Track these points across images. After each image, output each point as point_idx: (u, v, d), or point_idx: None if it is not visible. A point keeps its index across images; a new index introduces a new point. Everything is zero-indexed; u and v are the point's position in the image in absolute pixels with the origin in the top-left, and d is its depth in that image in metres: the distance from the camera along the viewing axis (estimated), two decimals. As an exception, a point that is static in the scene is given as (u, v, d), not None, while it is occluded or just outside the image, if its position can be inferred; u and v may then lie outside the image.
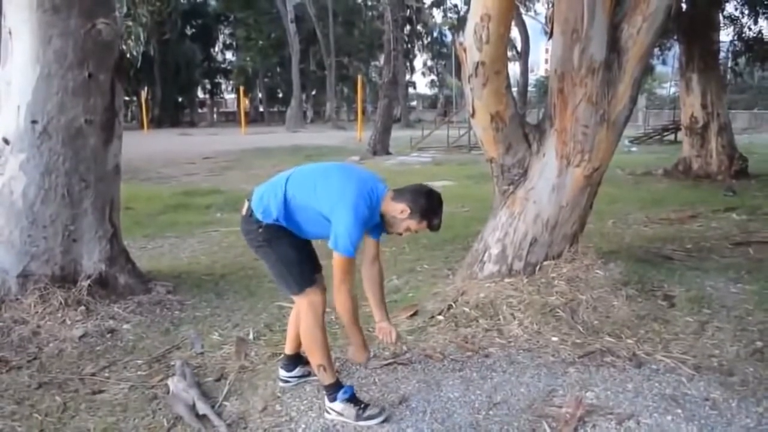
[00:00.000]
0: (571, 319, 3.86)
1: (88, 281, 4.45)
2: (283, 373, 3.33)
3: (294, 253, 2.93)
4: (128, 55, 5.50)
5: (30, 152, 4.26)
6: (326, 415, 2.94)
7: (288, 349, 3.35)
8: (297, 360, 3.33)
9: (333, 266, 2.78)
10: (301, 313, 3.00)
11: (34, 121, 4.24)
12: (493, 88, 4.09)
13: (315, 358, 2.95)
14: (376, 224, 2.94)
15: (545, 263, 4.41)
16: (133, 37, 5.01)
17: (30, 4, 4.14)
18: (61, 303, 4.26)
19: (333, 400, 2.92)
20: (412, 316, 4.18)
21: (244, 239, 3.06)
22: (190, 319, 4.42)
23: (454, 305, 4.18)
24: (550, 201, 4.38)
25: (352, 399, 2.93)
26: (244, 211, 2.98)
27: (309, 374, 3.30)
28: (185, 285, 5.17)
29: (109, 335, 4.08)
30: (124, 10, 4.34)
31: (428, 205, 2.89)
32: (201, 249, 6.72)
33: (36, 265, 4.35)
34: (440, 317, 4.08)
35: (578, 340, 3.67)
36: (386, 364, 3.47)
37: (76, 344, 3.92)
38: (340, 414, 2.90)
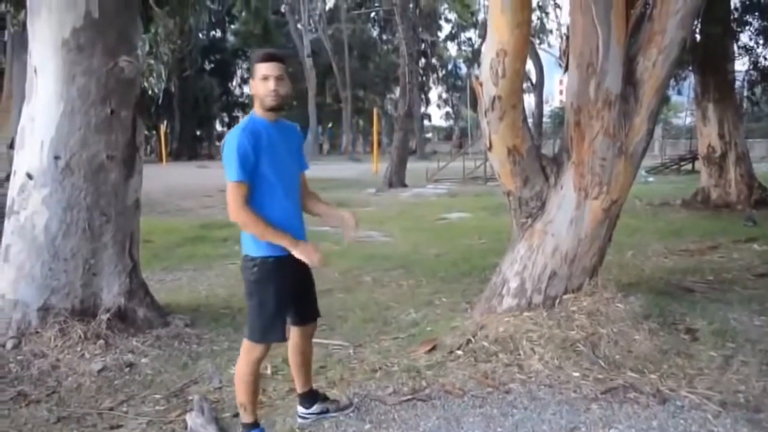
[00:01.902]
0: (592, 354, 3.81)
1: (108, 315, 4.47)
2: (301, 410, 3.31)
3: (275, 303, 2.90)
4: (149, 92, 5.60)
5: (52, 187, 4.33)
6: None
7: (300, 387, 3.33)
8: (314, 397, 3.32)
9: (228, 198, 2.75)
10: (241, 353, 3.01)
11: (56, 157, 4.32)
12: (509, 122, 4.11)
13: (239, 396, 3.03)
14: (272, 143, 2.84)
15: (565, 296, 4.37)
16: (154, 75, 5.14)
17: (55, 43, 4.26)
18: (80, 336, 4.28)
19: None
20: (430, 350, 4.14)
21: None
22: (208, 353, 4.41)
23: (473, 340, 4.14)
24: (568, 234, 4.36)
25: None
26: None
27: (327, 411, 3.29)
28: (203, 318, 5.17)
29: (127, 369, 4.08)
30: (146, 48, 4.44)
31: (254, 58, 2.90)
32: (219, 282, 6.73)
33: (56, 299, 4.38)
34: (459, 352, 4.04)
35: (600, 376, 3.61)
36: (405, 401, 3.43)
37: (94, 378, 3.93)
38: None
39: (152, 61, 5.22)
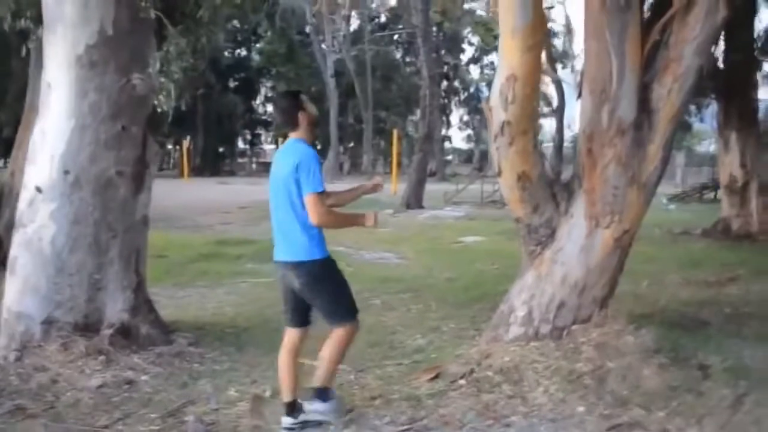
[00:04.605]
0: (598, 388, 3.69)
1: (111, 330, 4.46)
2: (289, 420, 3.42)
3: (345, 282, 3.48)
4: (159, 110, 5.66)
5: (60, 201, 4.34)
6: (306, 407, 3.45)
7: (290, 396, 3.46)
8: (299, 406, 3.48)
9: (311, 207, 3.25)
10: (335, 342, 3.42)
11: (66, 171, 4.34)
12: (519, 148, 4.06)
13: (332, 367, 3.49)
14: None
15: (573, 327, 4.26)
16: (164, 93, 5.20)
17: (69, 59, 4.30)
18: (82, 351, 4.27)
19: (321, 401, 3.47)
20: (433, 378, 4.05)
21: (298, 286, 3.38)
22: (209, 372, 4.37)
23: (477, 369, 4.05)
24: (578, 263, 4.27)
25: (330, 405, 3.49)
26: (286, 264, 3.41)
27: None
28: (208, 337, 5.14)
29: (126, 386, 4.04)
30: (158, 66, 4.47)
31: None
32: (228, 300, 6.71)
33: (60, 313, 4.38)
34: (462, 381, 3.95)
35: (606, 411, 3.50)
36: (402, 431, 3.35)
37: (92, 394, 3.90)
38: (317, 413, 3.45)
39: (163, 79, 5.25)
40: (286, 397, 3.47)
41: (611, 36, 4.02)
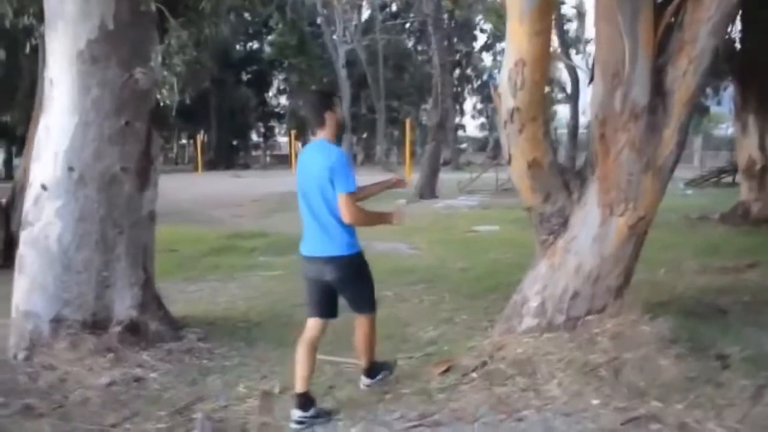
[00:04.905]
0: (614, 380, 3.60)
1: (119, 328, 4.44)
2: (299, 413, 3.44)
3: (371, 276, 3.70)
4: (161, 104, 5.59)
5: (66, 198, 4.31)
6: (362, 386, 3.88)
7: (302, 387, 3.51)
8: (312, 400, 3.53)
9: (344, 206, 3.38)
10: (363, 328, 3.74)
11: (71, 168, 4.30)
12: (529, 135, 3.95)
13: (370, 349, 3.82)
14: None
15: (588, 318, 4.17)
16: (167, 86, 5.14)
17: (70, 55, 4.25)
18: (90, 349, 4.26)
19: (372, 377, 3.88)
20: (445, 372, 3.98)
21: (333, 278, 3.52)
22: (219, 368, 4.33)
23: (489, 361, 3.97)
24: (592, 252, 4.16)
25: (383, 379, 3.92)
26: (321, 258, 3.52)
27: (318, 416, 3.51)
28: (218, 332, 5.10)
29: (135, 384, 4.02)
30: (160, 59, 4.39)
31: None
32: (239, 294, 6.68)
33: (68, 311, 4.36)
34: (474, 374, 3.87)
35: (621, 404, 3.40)
36: (412, 426, 3.29)
37: (101, 392, 3.88)
38: (372, 386, 3.85)
39: (165, 73, 5.19)
40: (299, 387, 3.49)
41: (623, 18, 3.89)
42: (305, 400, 3.46)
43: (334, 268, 3.48)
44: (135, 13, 4.41)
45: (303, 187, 3.53)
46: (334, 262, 3.48)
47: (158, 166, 4.77)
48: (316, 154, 3.48)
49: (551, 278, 4.28)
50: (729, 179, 21.85)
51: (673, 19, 4.05)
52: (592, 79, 4.30)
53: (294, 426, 3.39)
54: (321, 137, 3.53)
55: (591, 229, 4.17)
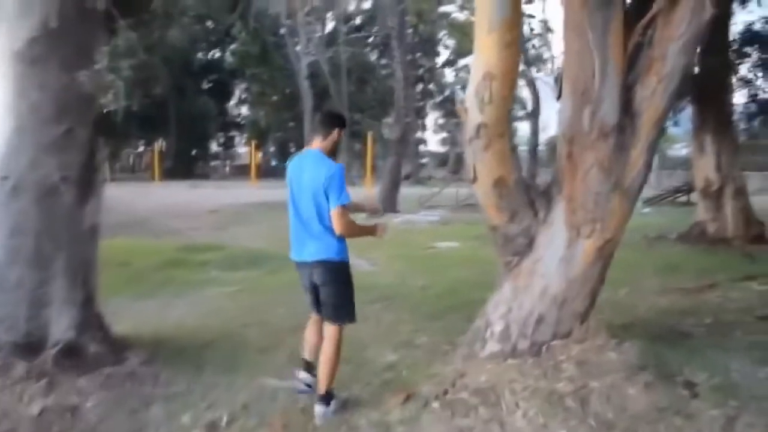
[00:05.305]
0: (581, 411, 3.43)
1: (55, 350, 4.09)
2: (306, 376, 4.00)
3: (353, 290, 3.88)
4: (105, 110, 5.28)
5: (-2, 210, 3.98)
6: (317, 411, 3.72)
7: (310, 356, 4.03)
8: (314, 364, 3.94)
9: (337, 218, 3.60)
10: (332, 341, 3.75)
11: (4, 177, 3.98)
12: (495, 151, 3.79)
13: (331, 372, 3.75)
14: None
15: (553, 343, 4.01)
16: (113, 91, 4.84)
17: (7, 55, 3.93)
18: (21, 375, 3.90)
19: (326, 405, 3.74)
20: (404, 401, 3.76)
21: (320, 281, 3.73)
22: (162, 396, 4.03)
23: (451, 390, 3.77)
24: (558, 274, 4.01)
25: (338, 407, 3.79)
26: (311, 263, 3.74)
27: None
28: (165, 354, 4.77)
29: (69, 414, 3.69)
30: (106, 62, 4.11)
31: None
32: (191, 312, 6.35)
33: (-2, 332, 4.01)
34: (435, 404, 3.65)
35: (590, 437, 3.24)
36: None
37: (30, 424, 3.56)
38: (328, 413, 3.71)
39: (112, 77, 4.89)
40: (308, 356, 4.05)
41: (593, 32, 3.77)
42: (309, 367, 4.05)
43: (324, 270, 3.70)
44: (80, 10, 4.10)
45: (294, 195, 3.72)
46: (326, 265, 3.70)
47: (102, 176, 4.46)
48: (313, 164, 3.67)
49: (515, 301, 4.11)
50: (684, 198, 22.29)
51: (642, 37, 3.96)
52: (560, 95, 4.16)
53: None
54: (317, 148, 3.75)
55: (557, 251, 4.02)
